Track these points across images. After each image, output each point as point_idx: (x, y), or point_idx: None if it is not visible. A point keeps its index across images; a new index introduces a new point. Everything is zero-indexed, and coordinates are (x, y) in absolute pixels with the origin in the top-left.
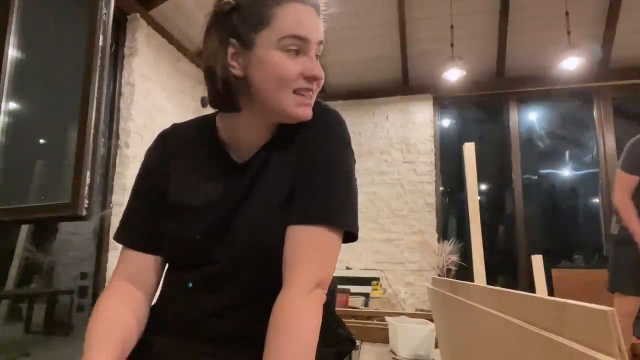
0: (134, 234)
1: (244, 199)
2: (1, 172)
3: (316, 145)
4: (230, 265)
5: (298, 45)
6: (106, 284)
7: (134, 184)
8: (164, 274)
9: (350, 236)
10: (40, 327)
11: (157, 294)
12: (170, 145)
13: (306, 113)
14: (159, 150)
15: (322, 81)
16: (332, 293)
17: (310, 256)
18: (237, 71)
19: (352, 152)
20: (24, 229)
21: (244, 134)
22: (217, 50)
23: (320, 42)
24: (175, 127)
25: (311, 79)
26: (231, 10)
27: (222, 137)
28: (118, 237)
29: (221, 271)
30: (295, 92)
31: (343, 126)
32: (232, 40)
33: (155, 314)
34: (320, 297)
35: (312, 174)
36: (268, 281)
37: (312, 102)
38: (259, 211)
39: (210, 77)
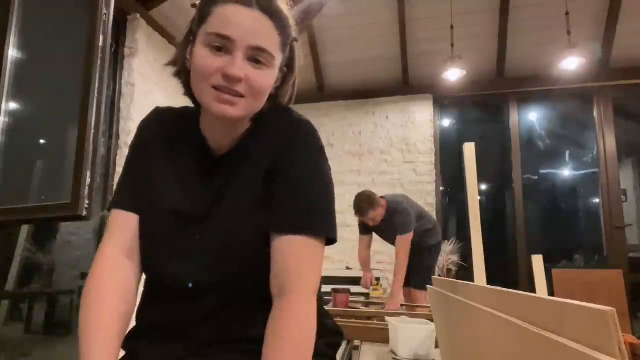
0: (132, 199)
1: (217, 202)
2: (1, 172)
3: (292, 155)
4: (206, 274)
5: (221, 43)
6: None
7: (127, 156)
8: (143, 281)
9: (329, 240)
10: (40, 327)
11: (139, 300)
12: (161, 124)
13: (224, 110)
14: (150, 129)
15: (253, 85)
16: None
17: (303, 264)
18: (189, 64)
19: (327, 159)
20: (24, 229)
21: (211, 126)
22: (181, 44)
23: (258, 49)
24: (169, 110)
25: (227, 77)
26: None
27: (202, 127)
28: (114, 205)
29: (200, 281)
30: (214, 87)
31: (316, 135)
32: (190, 37)
33: (139, 320)
34: (314, 301)
35: (292, 184)
36: (246, 286)
37: (237, 102)
38: (232, 217)
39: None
